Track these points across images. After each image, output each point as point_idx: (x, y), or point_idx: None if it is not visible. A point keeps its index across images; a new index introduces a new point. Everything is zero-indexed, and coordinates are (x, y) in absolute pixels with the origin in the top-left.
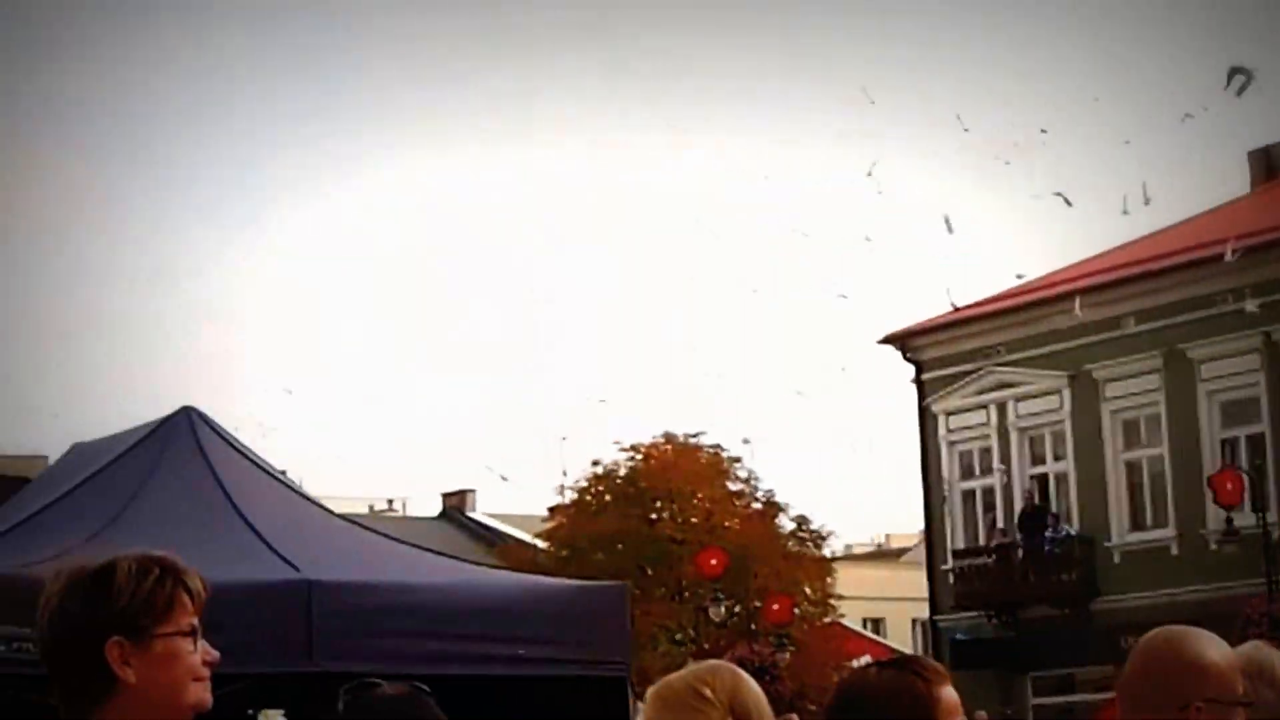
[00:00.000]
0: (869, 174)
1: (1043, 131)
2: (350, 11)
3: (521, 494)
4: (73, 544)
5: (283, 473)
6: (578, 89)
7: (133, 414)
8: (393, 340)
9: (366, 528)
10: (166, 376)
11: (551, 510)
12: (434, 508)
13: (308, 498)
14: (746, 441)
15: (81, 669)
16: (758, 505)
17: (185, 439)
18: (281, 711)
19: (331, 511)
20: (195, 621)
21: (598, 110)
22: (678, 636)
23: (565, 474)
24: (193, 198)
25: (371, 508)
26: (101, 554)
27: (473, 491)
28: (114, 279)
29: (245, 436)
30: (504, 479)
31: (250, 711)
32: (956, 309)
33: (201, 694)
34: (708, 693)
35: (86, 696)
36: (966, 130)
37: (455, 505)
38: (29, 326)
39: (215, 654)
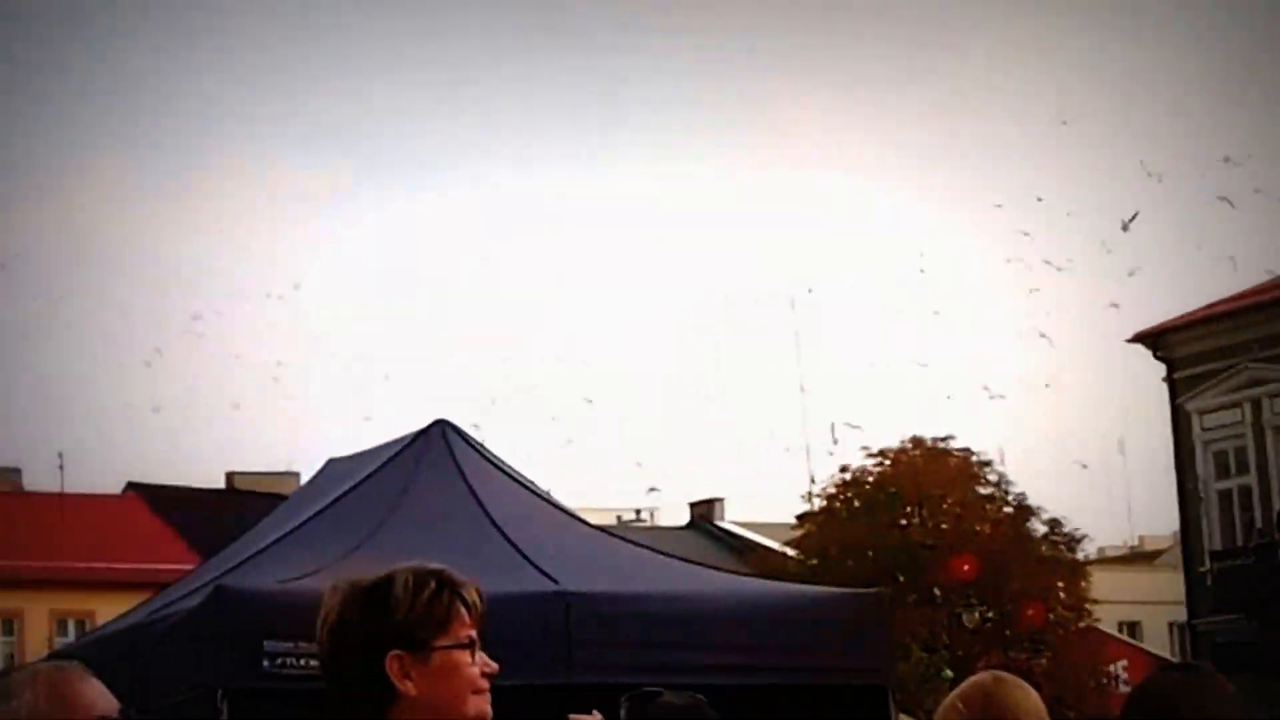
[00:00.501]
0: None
1: None
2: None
3: (769, 502)
4: (331, 560)
5: (532, 483)
6: (810, 99)
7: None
8: (638, 351)
9: (620, 537)
10: (410, 392)
11: (800, 518)
12: (682, 517)
13: (561, 508)
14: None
15: (362, 682)
16: (1009, 509)
17: (439, 452)
18: None
19: (586, 522)
20: (473, 633)
21: (826, 127)
22: (931, 644)
23: (813, 481)
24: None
25: (619, 518)
26: (361, 569)
27: (721, 500)
28: (357, 299)
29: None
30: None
31: None
32: (1208, 305)
33: (482, 706)
34: (960, 707)
35: (366, 709)
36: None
37: (703, 514)
38: (267, 346)
39: (494, 665)
